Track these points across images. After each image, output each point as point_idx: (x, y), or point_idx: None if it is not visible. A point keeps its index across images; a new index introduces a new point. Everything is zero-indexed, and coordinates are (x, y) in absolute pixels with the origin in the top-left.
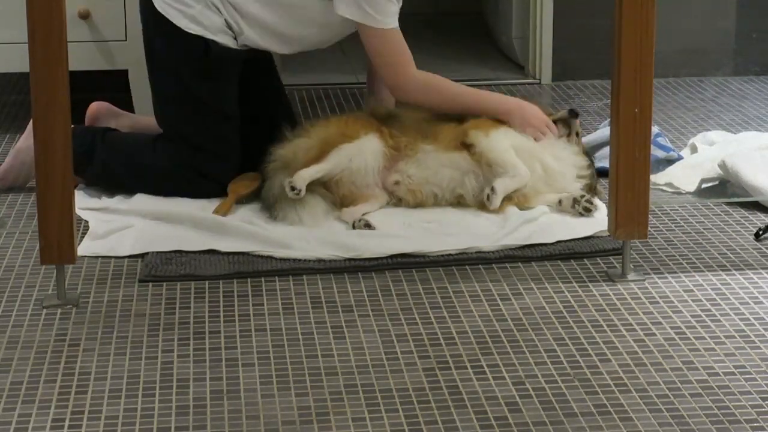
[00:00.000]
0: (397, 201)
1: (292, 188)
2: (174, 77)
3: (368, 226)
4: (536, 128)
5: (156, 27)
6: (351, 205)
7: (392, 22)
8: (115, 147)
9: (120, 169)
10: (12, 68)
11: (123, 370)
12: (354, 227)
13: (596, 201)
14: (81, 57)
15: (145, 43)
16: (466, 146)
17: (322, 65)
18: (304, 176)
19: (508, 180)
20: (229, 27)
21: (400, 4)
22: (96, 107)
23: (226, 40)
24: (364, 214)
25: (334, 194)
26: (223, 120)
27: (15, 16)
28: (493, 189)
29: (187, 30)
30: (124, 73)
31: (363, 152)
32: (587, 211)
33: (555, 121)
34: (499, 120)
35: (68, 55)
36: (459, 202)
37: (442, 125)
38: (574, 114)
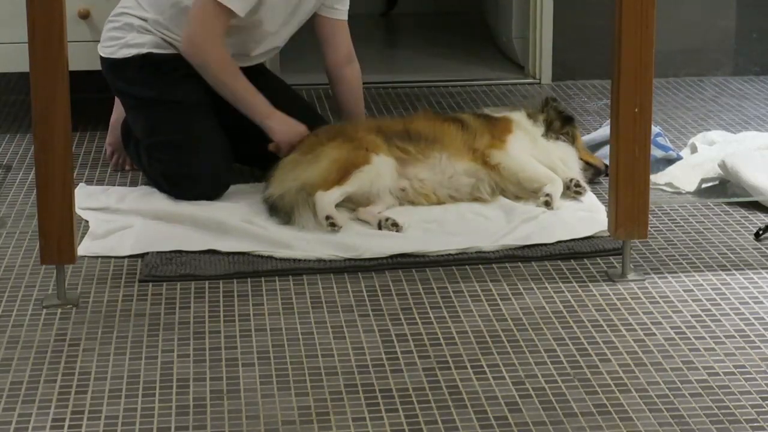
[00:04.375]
0: (409, 202)
1: (332, 224)
2: (131, 99)
3: (395, 225)
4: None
5: (107, 72)
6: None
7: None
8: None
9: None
10: (12, 68)
11: (123, 370)
12: (380, 227)
13: (583, 183)
14: (81, 57)
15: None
16: (489, 165)
17: (322, 65)
18: (330, 201)
19: (553, 186)
20: (166, 42)
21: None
22: None
23: (166, 50)
24: (379, 212)
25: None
26: (182, 111)
27: (15, 16)
28: (549, 195)
29: (125, 57)
30: None
31: (382, 175)
32: (578, 195)
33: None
34: (502, 126)
35: (68, 55)
36: (476, 200)
37: (446, 130)
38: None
